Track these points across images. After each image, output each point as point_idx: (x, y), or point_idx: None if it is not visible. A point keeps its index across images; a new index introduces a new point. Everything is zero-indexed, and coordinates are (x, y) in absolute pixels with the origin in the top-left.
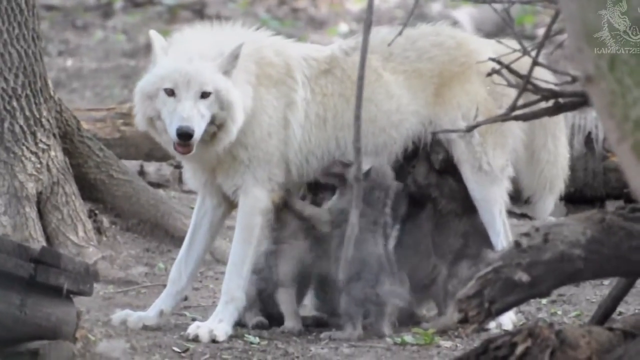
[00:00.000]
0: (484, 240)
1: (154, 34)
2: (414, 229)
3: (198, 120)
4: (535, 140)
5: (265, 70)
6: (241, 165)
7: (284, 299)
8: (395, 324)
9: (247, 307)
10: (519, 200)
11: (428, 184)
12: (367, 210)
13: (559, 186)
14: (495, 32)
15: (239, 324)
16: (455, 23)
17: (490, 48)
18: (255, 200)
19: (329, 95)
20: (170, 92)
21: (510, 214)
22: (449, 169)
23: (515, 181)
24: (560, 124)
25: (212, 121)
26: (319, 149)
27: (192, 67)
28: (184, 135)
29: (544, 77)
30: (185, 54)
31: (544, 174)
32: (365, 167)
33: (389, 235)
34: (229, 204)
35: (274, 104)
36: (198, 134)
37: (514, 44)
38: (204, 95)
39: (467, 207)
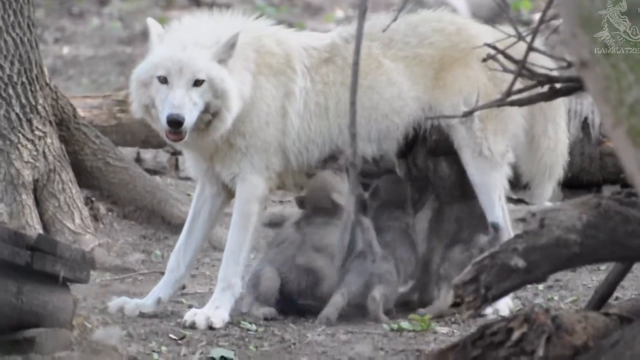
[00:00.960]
0: (478, 225)
1: (151, 21)
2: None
3: (190, 108)
4: (535, 127)
5: (266, 59)
6: (238, 153)
7: None
8: (392, 311)
9: (260, 297)
10: (516, 185)
11: (426, 166)
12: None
13: (558, 172)
14: (491, 17)
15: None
16: (451, 9)
17: (490, 34)
18: (253, 187)
19: (330, 84)
20: (164, 80)
21: (507, 199)
22: (442, 152)
23: (513, 167)
24: (560, 110)
25: (207, 109)
26: (320, 137)
27: (185, 55)
28: (174, 123)
29: (543, 63)
30: (180, 42)
31: (544, 160)
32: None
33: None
34: (228, 193)
35: (273, 93)
36: (189, 121)
37: (511, 29)
38: (197, 83)
39: (461, 192)
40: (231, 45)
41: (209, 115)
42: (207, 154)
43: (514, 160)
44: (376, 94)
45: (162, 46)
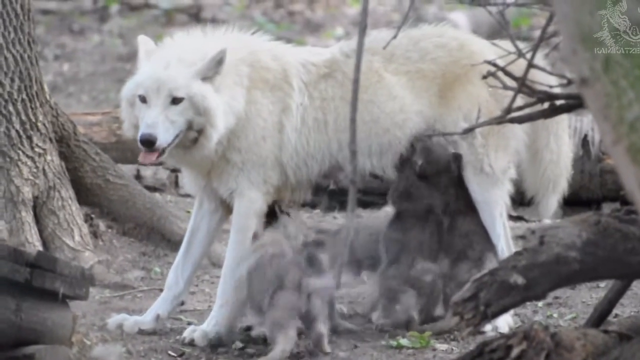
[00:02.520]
0: (489, 242)
1: (141, 39)
2: (418, 230)
3: (165, 127)
4: (538, 141)
5: (261, 74)
6: (235, 168)
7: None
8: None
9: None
10: (516, 202)
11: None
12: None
13: (562, 185)
14: (492, 34)
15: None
16: (452, 25)
17: (492, 50)
18: (250, 202)
19: (329, 99)
20: (143, 99)
21: (507, 216)
22: (432, 173)
23: (514, 184)
24: (562, 123)
25: (190, 127)
26: (319, 153)
27: (165, 73)
28: (146, 142)
29: (545, 79)
30: (164, 59)
31: (547, 174)
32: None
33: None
34: (226, 209)
35: (269, 108)
36: (163, 140)
37: (511, 46)
38: (175, 101)
39: (465, 205)
40: (217, 62)
41: (194, 132)
42: (204, 170)
43: (516, 177)
44: (377, 108)
45: (147, 64)
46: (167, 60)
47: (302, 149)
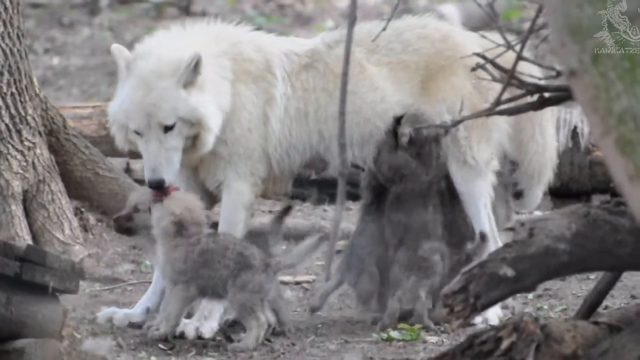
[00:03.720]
0: (467, 231)
1: (116, 48)
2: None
3: (168, 161)
4: (523, 132)
5: (244, 66)
6: (222, 161)
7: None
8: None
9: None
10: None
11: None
12: (420, 171)
13: (547, 176)
14: (481, 26)
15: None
16: (441, 17)
17: (476, 41)
18: (239, 195)
19: (311, 90)
20: (137, 133)
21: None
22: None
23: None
24: (546, 114)
25: (188, 138)
26: (300, 143)
27: (149, 103)
28: (156, 187)
29: (532, 72)
30: (143, 79)
31: (532, 165)
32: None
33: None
34: (211, 198)
35: (253, 100)
36: (171, 175)
37: (500, 38)
38: (167, 129)
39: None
40: (194, 66)
41: (191, 140)
42: (191, 164)
43: (500, 168)
44: (358, 99)
45: (128, 85)
46: (146, 78)
47: (284, 139)
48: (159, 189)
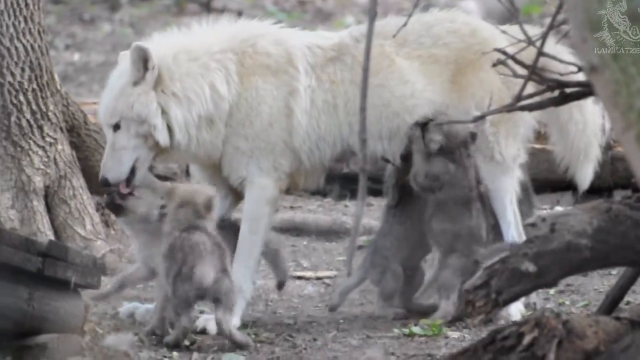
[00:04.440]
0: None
1: (121, 56)
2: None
3: (117, 162)
4: (561, 116)
5: (259, 60)
6: (244, 156)
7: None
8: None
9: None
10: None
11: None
12: (459, 179)
13: (595, 152)
14: (502, 21)
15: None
16: (463, 11)
17: (504, 37)
18: (262, 190)
19: (339, 82)
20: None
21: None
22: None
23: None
24: None
25: (145, 137)
26: (330, 136)
27: (104, 102)
28: (104, 185)
29: (556, 67)
30: (111, 79)
31: (576, 145)
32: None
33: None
34: (236, 195)
35: (273, 94)
36: (116, 175)
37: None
38: (115, 127)
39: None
40: (140, 61)
41: (150, 140)
42: (209, 161)
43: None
44: (388, 92)
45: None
46: (113, 78)
47: (313, 132)
48: (107, 186)
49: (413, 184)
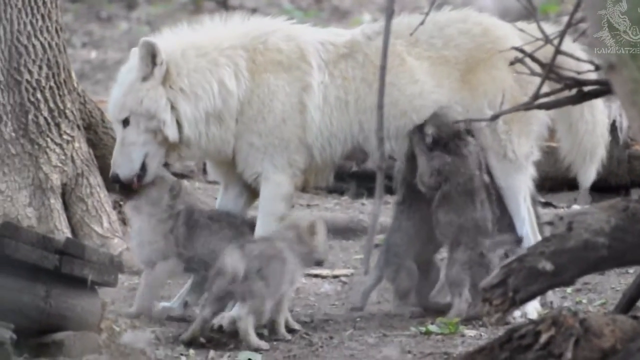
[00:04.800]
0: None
1: (133, 53)
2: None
3: (126, 158)
4: (572, 113)
5: (270, 57)
6: (258, 152)
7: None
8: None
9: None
10: (544, 188)
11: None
12: (458, 169)
13: (600, 154)
14: (519, 20)
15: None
16: (480, 11)
17: (517, 35)
18: (277, 186)
19: (350, 79)
20: None
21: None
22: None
23: (538, 169)
24: None
25: (155, 133)
26: (341, 133)
27: (113, 99)
28: (114, 181)
29: (573, 65)
30: (120, 75)
31: (584, 144)
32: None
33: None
34: (251, 192)
35: (286, 90)
36: (127, 172)
37: (538, 31)
38: (125, 122)
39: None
40: (149, 58)
41: (159, 135)
42: (222, 157)
43: (540, 158)
44: (397, 91)
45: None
46: (123, 74)
47: (325, 128)
48: (118, 182)
49: (420, 185)
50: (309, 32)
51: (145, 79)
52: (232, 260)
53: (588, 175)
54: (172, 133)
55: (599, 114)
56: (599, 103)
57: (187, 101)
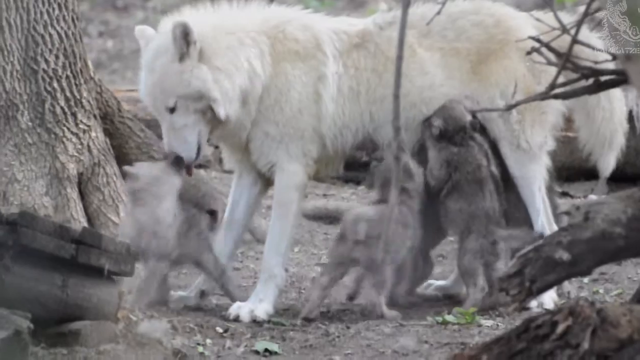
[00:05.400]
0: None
1: (139, 30)
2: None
3: (182, 141)
4: (589, 101)
5: (288, 46)
6: (274, 141)
7: None
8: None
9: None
10: (561, 178)
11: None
12: (466, 158)
13: (619, 141)
14: (535, 9)
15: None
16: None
17: (530, 24)
18: (291, 176)
19: (362, 69)
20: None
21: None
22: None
23: (554, 159)
24: None
25: (203, 113)
26: (353, 123)
27: (151, 86)
28: (180, 162)
29: (590, 55)
30: (148, 59)
31: (602, 132)
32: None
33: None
34: (266, 181)
35: (302, 80)
36: (189, 153)
37: (554, 20)
38: (172, 110)
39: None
40: (182, 36)
41: (209, 114)
42: (240, 144)
43: (555, 147)
44: (408, 82)
45: (142, 67)
46: (149, 59)
47: (338, 118)
48: (181, 164)
49: (430, 179)
50: (323, 21)
51: (182, 59)
52: (354, 224)
53: (607, 163)
54: (223, 111)
55: (616, 102)
56: (616, 91)
57: (227, 78)
